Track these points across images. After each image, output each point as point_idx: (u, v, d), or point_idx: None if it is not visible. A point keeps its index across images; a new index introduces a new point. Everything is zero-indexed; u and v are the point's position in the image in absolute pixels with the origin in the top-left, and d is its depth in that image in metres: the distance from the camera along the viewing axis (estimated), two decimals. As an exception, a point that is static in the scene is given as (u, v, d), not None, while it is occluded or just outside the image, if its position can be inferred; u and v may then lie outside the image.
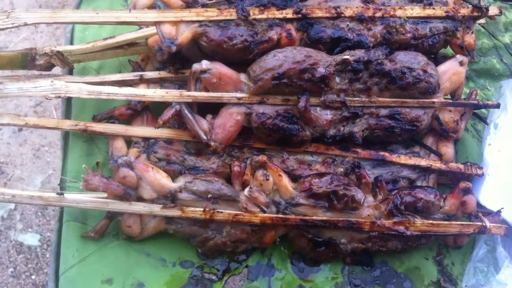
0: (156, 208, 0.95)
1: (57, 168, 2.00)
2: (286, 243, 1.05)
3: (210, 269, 1.02)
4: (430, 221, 0.99)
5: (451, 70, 1.05)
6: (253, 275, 1.03)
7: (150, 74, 1.06)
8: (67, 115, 1.09)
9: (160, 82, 1.06)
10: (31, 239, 1.89)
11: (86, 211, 1.00)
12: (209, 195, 0.95)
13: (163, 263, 1.01)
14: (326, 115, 1.01)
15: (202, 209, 0.95)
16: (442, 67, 1.05)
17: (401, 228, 0.98)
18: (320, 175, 0.99)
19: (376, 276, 1.05)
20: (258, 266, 1.03)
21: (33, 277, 1.82)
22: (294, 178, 1.02)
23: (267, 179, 0.96)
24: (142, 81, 1.05)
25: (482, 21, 1.17)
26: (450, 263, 1.08)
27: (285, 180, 0.98)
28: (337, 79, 1.00)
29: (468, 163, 1.08)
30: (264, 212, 0.97)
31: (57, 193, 0.93)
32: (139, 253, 1.01)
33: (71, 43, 1.14)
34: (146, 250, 1.01)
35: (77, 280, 0.96)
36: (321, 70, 0.97)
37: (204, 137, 0.99)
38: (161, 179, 0.95)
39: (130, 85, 1.06)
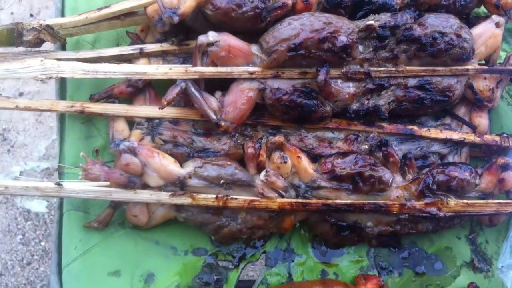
0: (164, 196, 0.86)
1: None
2: (306, 226, 0.97)
3: (225, 256, 0.95)
4: (465, 201, 0.90)
5: (486, 33, 0.94)
6: (271, 261, 0.96)
7: (151, 47, 0.95)
8: (61, 94, 0.99)
9: (162, 56, 0.96)
10: (38, 205, 1.86)
11: (87, 199, 0.92)
12: (222, 181, 0.87)
13: (174, 252, 0.94)
14: (349, 88, 0.91)
15: (214, 195, 0.87)
16: (476, 30, 0.94)
17: (433, 209, 0.89)
18: (343, 154, 0.90)
19: (405, 257, 0.98)
20: (277, 252, 0.96)
21: (42, 243, 1.80)
22: (314, 157, 0.93)
23: (285, 162, 0.87)
24: (142, 55, 0.95)
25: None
26: (484, 241, 1.00)
27: (305, 162, 0.89)
28: (360, 48, 0.89)
29: (505, 135, 0.98)
30: (282, 196, 0.88)
31: (55, 183, 0.85)
32: (148, 242, 0.93)
33: (62, 13, 1.03)
34: (155, 239, 0.94)
35: (82, 273, 0.90)
36: (342, 39, 0.86)
37: (214, 116, 0.89)
38: (168, 165, 0.86)
39: (130, 60, 0.95)
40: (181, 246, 0.94)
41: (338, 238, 0.93)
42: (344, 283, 0.90)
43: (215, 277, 0.93)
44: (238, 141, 0.94)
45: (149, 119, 0.94)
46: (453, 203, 0.90)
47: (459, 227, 0.99)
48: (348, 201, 0.88)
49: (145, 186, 0.87)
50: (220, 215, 0.90)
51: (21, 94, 1.99)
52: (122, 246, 0.92)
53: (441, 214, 0.89)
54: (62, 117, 0.98)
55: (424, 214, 0.90)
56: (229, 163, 0.88)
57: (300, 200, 0.88)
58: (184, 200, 0.87)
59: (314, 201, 0.88)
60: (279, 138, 0.87)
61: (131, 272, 0.91)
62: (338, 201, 0.88)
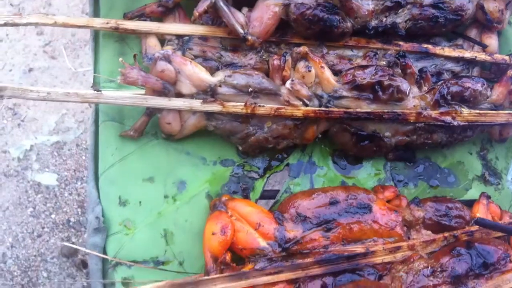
0: (196, 103, 0.92)
1: (70, 108, 1.97)
2: (327, 141, 1.03)
3: (251, 167, 1.00)
4: (477, 111, 0.96)
5: (497, -45, 1.00)
6: (294, 172, 1.01)
7: (180, -31, 1.00)
8: (95, 16, 1.04)
9: (191, -22, 1.01)
10: (48, 178, 1.88)
11: (122, 111, 0.98)
12: (250, 89, 0.92)
13: (204, 162, 0.99)
14: (368, 5, 0.97)
15: (243, 103, 0.92)
16: (487, -48, 1.00)
17: (448, 118, 0.95)
18: (364, 67, 0.96)
19: (419, 171, 1.04)
20: (299, 164, 1.02)
21: (52, 216, 1.82)
22: (334, 73, 0.98)
23: (309, 71, 0.93)
24: (172, -23, 1.00)
25: None
26: (494, 157, 1.06)
27: (327, 72, 0.94)
28: (380, -35, 0.95)
29: (514, 55, 1.04)
30: (306, 105, 0.94)
31: (95, 90, 0.90)
32: (179, 152, 0.99)
33: None
34: (186, 149, 0.99)
35: (118, 178, 0.95)
36: (364, -46, 0.91)
37: (241, 31, 0.95)
38: (200, 72, 0.91)
39: (160, -18, 1.01)
40: (210, 157, 1.00)
41: (358, 148, 0.99)
42: (364, 188, 0.95)
43: (242, 186, 0.99)
44: (263, 57, 0.99)
45: (179, 36, 0.99)
46: (466, 112, 0.96)
47: (470, 143, 1.05)
48: (368, 110, 0.94)
49: (178, 95, 0.92)
50: (247, 123, 0.95)
51: (30, 70, 2.02)
52: (155, 155, 0.97)
53: (455, 122, 0.95)
54: (96, 37, 1.03)
55: (439, 123, 0.95)
56: (256, 72, 0.93)
57: (323, 109, 0.94)
58: (215, 107, 0.92)
59: (336, 109, 0.94)
60: (303, 48, 0.93)
61: (164, 179, 0.96)
62: (358, 109, 0.94)
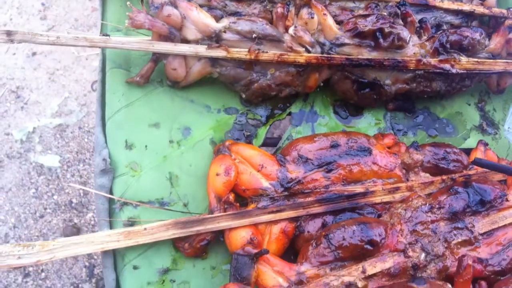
0: (201, 49, 0.94)
1: (73, 91, 2.00)
2: (328, 91, 1.05)
3: (254, 115, 1.03)
4: (475, 59, 0.98)
5: None
6: (296, 121, 1.04)
7: None
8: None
9: None
10: (51, 160, 1.90)
11: (129, 58, 1.00)
12: (254, 35, 0.94)
13: (208, 110, 1.01)
14: (370, -44, 0.99)
15: (247, 49, 0.94)
16: None
17: (447, 65, 0.97)
18: (365, 15, 0.98)
19: (419, 121, 1.06)
20: (301, 113, 1.04)
21: (55, 197, 1.85)
22: (337, 23, 1.00)
23: (312, 17, 0.95)
24: None
25: None
26: (492, 109, 1.08)
27: (330, 20, 0.96)
28: None
29: (511, 9, 1.06)
30: (309, 52, 0.96)
31: (103, 34, 0.93)
32: (184, 99, 1.01)
33: None
34: (190, 97, 1.01)
35: (125, 123, 0.97)
36: None
37: (246, -20, 0.97)
38: (205, 18, 0.93)
39: None
40: (214, 105, 1.02)
41: (359, 96, 1.01)
42: (365, 134, 0.97)
43: (245, 133, 1.01)
44: (267, 7, 1.01)
45: (185, -13, 1.01)
46: (465, 60, 0.98)
47: (468, 94, 1.07)
48: (369, 57, 0.96)
49: (184, 41, 0.94)
50: (251, 70, 0.97)
51: (34, 54, 2.06)
52: (161, 102, 1.00)
53: (454, 70, 0.97)
54: (104, -12, 1.06)
55: (438, 71, 0.98)
56: (260, 19, 0.96)
57: (325, 55, 0.96)
58: (220, 53, 0.94)
59: (337, 56, 0.96)
60: (307, -5, 0.95)
61: (169, 125, 0.99)
62: (360, 56, 0.96)
